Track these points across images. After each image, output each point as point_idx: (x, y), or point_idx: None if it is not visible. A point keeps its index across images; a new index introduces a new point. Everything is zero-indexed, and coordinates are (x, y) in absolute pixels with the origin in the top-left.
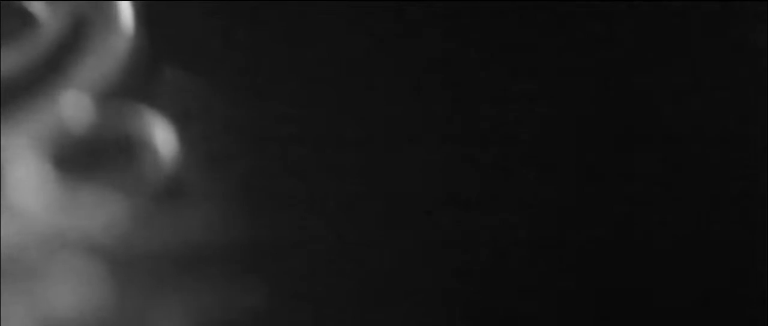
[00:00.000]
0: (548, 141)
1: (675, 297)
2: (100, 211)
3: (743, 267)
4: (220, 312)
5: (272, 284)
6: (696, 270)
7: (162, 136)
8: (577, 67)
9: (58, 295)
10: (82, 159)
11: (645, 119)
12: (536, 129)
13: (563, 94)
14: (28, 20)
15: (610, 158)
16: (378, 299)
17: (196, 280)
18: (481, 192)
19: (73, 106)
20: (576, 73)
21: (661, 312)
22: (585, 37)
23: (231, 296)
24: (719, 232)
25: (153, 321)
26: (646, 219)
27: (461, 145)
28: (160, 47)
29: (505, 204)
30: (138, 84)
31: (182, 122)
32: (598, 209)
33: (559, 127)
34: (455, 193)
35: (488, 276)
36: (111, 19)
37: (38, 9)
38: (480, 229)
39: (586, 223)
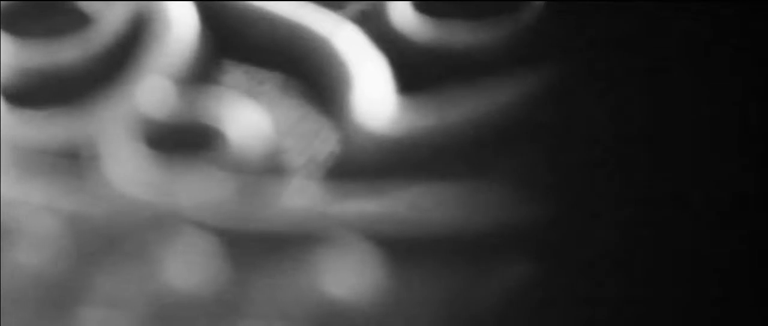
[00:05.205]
0: None
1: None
2: (206, 189)
3: None
4: (334, 290)
5: (383, 263)
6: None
7: (249, 117)
8: None
9: (174, 273)
10: (176, 142)
11: None
12: None
13: None
14: (83, 18)
15: None
16: None
17: (307, 254)
18: None
19: (157, 91)
20: None
21: None
22: None
23: (340, 273)
24: None
25: (266, 297)
26: None
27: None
28: (226, 43)
29: None
30: (207, 73)
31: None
32: None
33: None
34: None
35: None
36: (171, 17)
37: (94, 8)
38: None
39: None
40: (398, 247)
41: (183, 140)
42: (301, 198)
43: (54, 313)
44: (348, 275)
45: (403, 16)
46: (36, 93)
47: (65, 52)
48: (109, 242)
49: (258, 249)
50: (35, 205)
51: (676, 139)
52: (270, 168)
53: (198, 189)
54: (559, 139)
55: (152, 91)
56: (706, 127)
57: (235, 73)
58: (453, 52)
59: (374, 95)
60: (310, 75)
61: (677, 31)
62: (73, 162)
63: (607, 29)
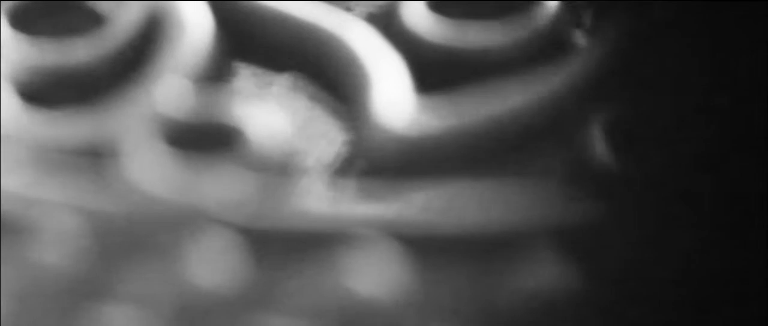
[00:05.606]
0: None
1: None
2: (228, 187)
3: None
4: (357, 287)
5: (406, 261)
6: None
7: (269, 116)
8: None
9: (196, 271)
10: (197, 140)
11: None
12: None
13: None
14: (95, 17)
15: None
16: None
17: (330, 253)
18: None
19: (176, 90)
20: None
21: None
22: None
23: (363, 271)
24: None
25: (289, 295)
26: None
27: None
28: (241, 43)
29: None
30: (222, 73)
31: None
32: None
33: None
34: None
35: None
36: (186, 18)
37: (107, 8)
38: None
39: None
40: (420, 246)
41: (204, 139)
42: (321, 197)
43: (76, 311)
44: (371, 273)
45: (418, 16)
46: (54, 92)
47: (82, 52)
48: (131, 240)
49: (281, 247)
50: (57, 204)
51: (700, 137)
52: (291, 167)
53: (220, 187)
54: (578, 137)
55: (171, 89)
56: (731, 124)
57: (244, 75)
58: (469, 53)
59: (393, 95)
60: (328, 75)
61: (692, 26)
62: (94, 161)
63: (624, 27)
